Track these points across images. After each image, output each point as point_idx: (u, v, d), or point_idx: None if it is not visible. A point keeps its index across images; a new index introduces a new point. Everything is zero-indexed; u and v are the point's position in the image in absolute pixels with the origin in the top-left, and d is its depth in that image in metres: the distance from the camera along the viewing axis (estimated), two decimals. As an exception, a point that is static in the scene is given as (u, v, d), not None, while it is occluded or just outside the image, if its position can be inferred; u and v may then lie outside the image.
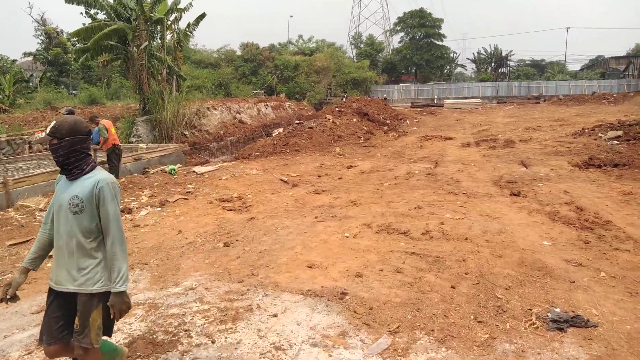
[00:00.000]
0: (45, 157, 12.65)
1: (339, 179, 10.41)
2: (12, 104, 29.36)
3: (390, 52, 64.75)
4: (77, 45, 24.19)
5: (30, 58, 43.71)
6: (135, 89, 19.54)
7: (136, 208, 7.92)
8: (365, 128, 17.95)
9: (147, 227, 6.80)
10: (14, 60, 43.84)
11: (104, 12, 18.07)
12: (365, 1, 76.21)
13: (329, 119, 17.58)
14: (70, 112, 9.76)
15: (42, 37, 43.96)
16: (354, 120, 18.52)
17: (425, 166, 11.58)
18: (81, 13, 18.99)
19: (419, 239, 5.78)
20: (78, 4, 17.64)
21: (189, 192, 9.16)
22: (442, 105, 35.68)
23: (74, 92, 37.74)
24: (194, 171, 11.39)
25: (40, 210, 7.72)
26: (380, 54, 61.91)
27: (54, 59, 38.49)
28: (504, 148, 13.91)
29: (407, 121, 22.91)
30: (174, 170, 11.31)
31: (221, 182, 10.08)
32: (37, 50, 42.24)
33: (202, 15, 19.97)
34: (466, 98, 41.78)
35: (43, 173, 9.02)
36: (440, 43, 59.28)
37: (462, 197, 8.21)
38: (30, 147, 13.48)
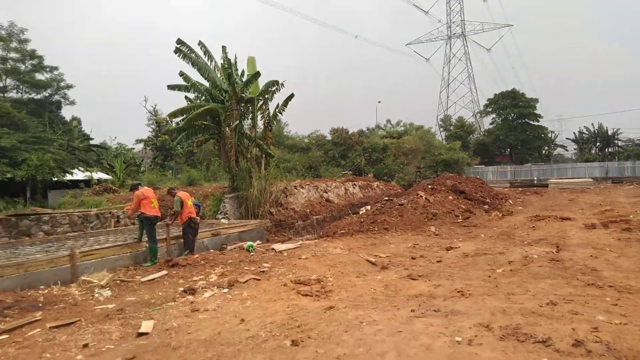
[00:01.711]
0: (129, 230, 12.50)
1: (438, 262, 8.71)
2: (121, 185, 31.83)
3: (482, 133, 62.57)
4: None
5: (142, 145, 48.38)
6: (225, 167, 19.83)
7: (202, 288, 6.90)
8: (463, 206, 16.08)
9: (206, 313, 5.66)
10: (132, 148, 48.83)
11: (202, 95, 19.03)
12: (453, 86, 76.46)
13: (422, 196, 16.05)
14: (134, 186, 9.53)
15: (153, 126, 48.74)
16: (450, 197, 16.78)
17: (545, 250, 9.47)
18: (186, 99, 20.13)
19: (570, 354, 3.95)
20: (179, 90, 18.81)
21: (263, 271, 8.05)
22: (546, 185, 32.39)
23: (179, 175, 40.43)
24: (273, 249, 10.40)
25: (102, 287, 7.00)
26: (471, 136, 60.00)
27: (162, 145, 41.91)
28: (643, 231, 11.28)
29: (510, 200, 20.55)
30: (252, 247, 10.42)
31: (300, 262, 8.88)
32: (148, 137, 46.72)
33: (291, 96, 20.25)
34: (570, 179, 37.83)
35: (114, 246, 8.50)
36: (536, 123, 56.14)
37: (611, 291, 6.13)
38: (117, 221, 13.63)
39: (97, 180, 31.48)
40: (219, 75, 18.71)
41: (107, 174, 35.07)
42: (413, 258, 9.18)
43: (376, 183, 31.47)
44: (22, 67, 37.05)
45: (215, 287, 6.94)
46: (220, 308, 5.87)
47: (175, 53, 17.75)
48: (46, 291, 6.82)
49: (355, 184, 27.78)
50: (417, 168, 40.93)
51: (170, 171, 41.58)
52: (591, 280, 6.78)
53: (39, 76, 38.06)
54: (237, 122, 18.16)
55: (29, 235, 11.96)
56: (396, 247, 10.54)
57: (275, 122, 22.83)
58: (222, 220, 13.55)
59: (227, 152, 18.63)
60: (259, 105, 19.77)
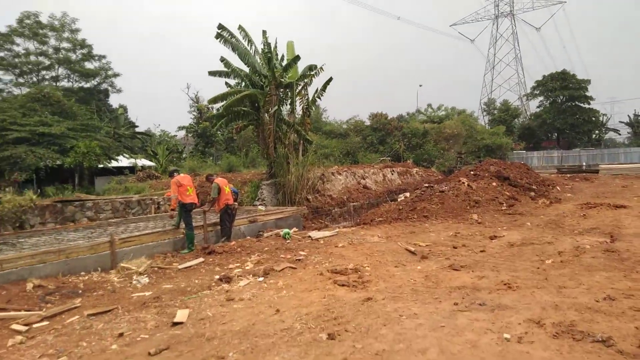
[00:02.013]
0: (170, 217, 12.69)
1: (481, 251, 8.30)
2: (164, 171, 32.67)
3: (528, 117, 60.04)
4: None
5: (184, 132, 49.38)
6: (263, 153, 19.83)
7: (237, 276, 6.84)
8: (508, 193, 15.37)
9: (241, 303, 5.57)
10: (174, 135, 49.90)
11: (242, 81, 19.00)
12: (498, 68, 73.60)
13: (464, 183, 15.45)
14: (171, 173, 9.60)
15: (194, 113, 49.54)
16: (493, 184, 16.09)
17: (598, 240, 8.86)
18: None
19: (637, 357, 3.57)
20: (220, 76, 18.81)
21: (299, 259, 7.92)
22: (597, 172, 30.65)
23: (219, 162, 41.01)
24: (309, 236, 10.27)
25: (140, 274, 7.07)
26: (516, 120, 57.66)
27: (203, 132, 42.58)
28: None
29: (557, 187, 19.52)
30: (289, 234, 10.32)
31: (337, 250, 8.69)
32: (190, 124, 47.58)
33: (329, 80, 19.84)
34: (623, 164, 35.65)
35: (152, 233, 8.59)
36: (586, 106, 53.15)
37: (676, 286, 5.60)
38: (158, 208, 13.88)
39: (141, 166, 32.45)
40: (258, 60, 18.56)
41: (151, 161, 36.12)
42: (455, 247, 8.80)
43: (415, 169, 30.78)
44: (73, 56, 38.51)
45: (251, 275, 6.86)
46: (255, 297, 5.77)
47: (217, 38, 17.70)
48: (86, 277, 6.95)
49: (393, 170, 27.26)
50: (458, 154, 39.75)
51: (211, 158, 42.25)
52: (653, 273, 6.23)
53: (88, 65, 39.46)
54: (276, 107, 18.02)
55: (74, 221, 12.39)
56: (437, 236, 10.16)
57: (313, 108, 22.56)
58: (259, 207, 13.54)
59: (266, 139, 18.56)
60: (297, 90, 19.56)
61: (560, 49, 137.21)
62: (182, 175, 9.69)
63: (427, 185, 18.06)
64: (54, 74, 38.62)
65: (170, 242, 8.76)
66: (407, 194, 18.01)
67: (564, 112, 52.32)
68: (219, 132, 41.21)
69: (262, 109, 18.37)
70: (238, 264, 7.70)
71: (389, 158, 36.36)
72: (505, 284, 5.89)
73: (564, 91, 52.26)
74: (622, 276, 6.17)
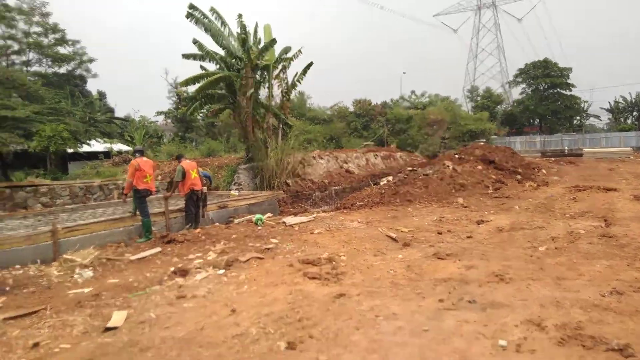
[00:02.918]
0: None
1: (468, 237, 7.62)
2: (140, 156, 31.39)
3: (511, 104, 60.05)
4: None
5: (162, 117, 48.02)
6: (240, 137, 18.97)
7: (195, 269, 6.02)
8: (494, 177, 14.77)
9: (193, 301, 4.76)
10: (155, 121, 48.48)
11: (217, 64, 18.01)
12: (481, 57, 73.27)
13: (449, 166, 14.79)
14: (134, 152, 8.74)
15: (173, 98, 48.10)
16: (479, 167, 15.46)
17: (592, 224, 8.25)
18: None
19: (664, 371, 2.89)
20: (194, 59, 17.81)
21: (269, 248, 7.13)
22: (581, 155, 30.45)
23: (199, 147, 39.86)
24: (283, 222, 9.49)
25: (85, 266, 6.19)
26: (498, 107, 57.58)
27: (182, 117, 41.29)
28: None
29: (543, 170, 19.05)
30: (261, 220, 9.54)
31: (311, 237, 7.93)
32: (169, 109, 46.21)
33: (310, 65, 19.07)
34: (604, 148, 35.63)
35: (104, 221, 7.67)
36: (568, 93, 53.25)
37: (687, 276, 4.98)
38: (122, 193, 12.90)
39: (117, 151, 31.30)
40: (233, 42, 17.69)
41: (128, 146, 34.94)
42: (439, 233, 8.10)
43: (399, 153, 30.22)
44: (45, 40, 36.66)
45: (211, 267, 6.05)
46: (210, 294, 4.97)
47: (187, 18, 16.79)
48: (21, 271, 6.04)
49: (377, 155, 26.61)
50: (442, 139, 39.29)
51: (193, 143, 41.19)
52: (658, 261, 5.62)
53: (62, 50, 37.71)
54: (252, 90, 17.14)
55: (26, 207, 11.39)
56: (420, 221, 9.46)
57: (293, 92, 21.71)
58: (232, 192, 12.69)
59: (243, 122, 17.76)
60: (275, 73, 18.74)
61: (541, 38, 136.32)
62: (144, 159, 8.72)
63: (410, 168, 17.40)
64: (24, 58, 36.76)
65: (125, 231, 7.85)
66: (390, 178, 17.30)
67: (546, 98, 52.41)
68: (199, 117, 40.10)
69: (238, 92, 17.50)
70: (200, 254, 6.87)
71: (372, 143, 35.73)
72: (496, 276, 5.19)
73: (546, 79, 52.19)
74: (626, 265, 5.54)
